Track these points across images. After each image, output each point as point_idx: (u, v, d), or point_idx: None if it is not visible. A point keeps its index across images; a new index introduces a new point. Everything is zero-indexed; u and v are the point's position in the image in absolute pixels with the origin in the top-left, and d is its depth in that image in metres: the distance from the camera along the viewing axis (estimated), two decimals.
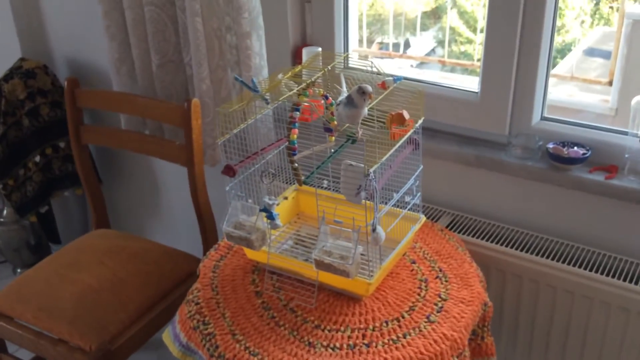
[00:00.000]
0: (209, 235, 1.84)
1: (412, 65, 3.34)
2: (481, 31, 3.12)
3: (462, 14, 3.59)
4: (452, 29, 3.47)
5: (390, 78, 1.26)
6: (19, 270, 2.54)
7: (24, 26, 2.26)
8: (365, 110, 1.17)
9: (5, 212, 2.44)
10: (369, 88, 1.14)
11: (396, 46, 3.49)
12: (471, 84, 1.69)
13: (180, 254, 1.83)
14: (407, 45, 3.83)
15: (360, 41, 2.76)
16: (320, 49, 1.41)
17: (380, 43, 3.69)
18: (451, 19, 3.34)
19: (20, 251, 2.48)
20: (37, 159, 2.23)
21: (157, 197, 2.31)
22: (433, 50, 3.87)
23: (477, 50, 3.33)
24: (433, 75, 2.64)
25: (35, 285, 1.70)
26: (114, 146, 2.00)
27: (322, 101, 1.33)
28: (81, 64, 2.24)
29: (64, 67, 2.29)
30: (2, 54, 2.27)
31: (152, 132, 1.97)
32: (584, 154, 1.47)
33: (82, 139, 1.95)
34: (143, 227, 2.40)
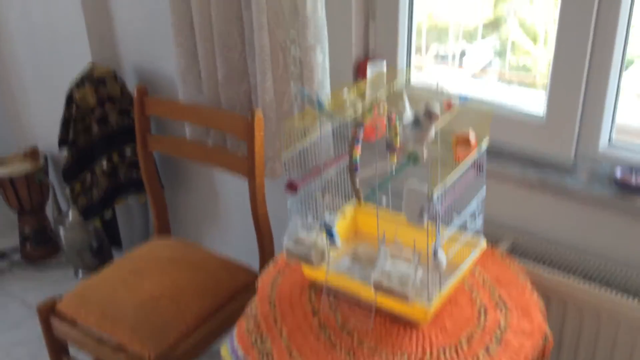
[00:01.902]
0: (266, 247, 1.86)
1: (471, 76, 3.29)
2: (544, 44, 3.05)
3: (522, 25, 3.52)
4: (512, 40, 3.39)
5: (457, 99, 1.24)
6: (80, 273, 2.63)
7: (95, 32, 2.34)
8: (433, 133, 1.15)
9: (70, 215, 2.53)
10: (437, 108, 1.12)
11: (453, 56, 3.44)
12: (530, 98, 1.65)
13: (237, 266, 1.86)
14: (463, 55, 3.78)
15: (418, 49, 2.74)
16: (385, 63, 1.39)
17: (436, 55, 3.65)
18: (511, 30, 3.27)
19: (82, 254, 2.57)
20: (104, 164, 2.30)
21: (216, 206, 2.35)
22: (490, 62, 3.80)
23: (536, 62, 3.26)
24: (491, 88, 2.60)
25: (99, 290, 1.76)
26: (178, 155, 2.05)
27: (386, 119, 1.32)
28: (149, 72, 2.31)
29: (132, 74, 2.36)
30: (74, 59, 2.36)
31: (215, 142, 2.01)
32: None
33: (149, 146, 2.01)
34: (202, 234, 2.45)
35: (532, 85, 3.06)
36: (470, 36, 3.47)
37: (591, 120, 1.50)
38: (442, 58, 3.36)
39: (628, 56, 1.45)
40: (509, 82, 3.14)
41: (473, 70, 3.27)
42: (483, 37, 3.44)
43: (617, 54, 1.43)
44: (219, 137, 2.00)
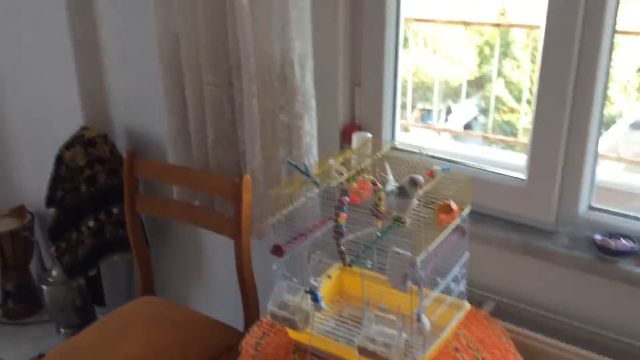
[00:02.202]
0: (251, 307, 1.86)
1: (453, 138, 3.38)
2: (527, 102, 3.15)
3: (507, 84, 3.64)
4: (496, 97, 3.51)
5: (439, 167, 1.29)
6: (62, 330, 2.60)
7: (88, 96, 2.39)
8: (416, 201, 1.20)
9: (54, 272, 2.52)
10: (421, 179, 1.17)
11: (438, 112, 3.54)
12: (513, 160, 1.71)
13: (221, 326, 1.86)
14: (449, 111, 3.88)
15: (403, 107, 2.81)
16: (370, 135, 1.46)
17: (422, 109, 3.75)
18: (495, 87, 3.39)
19: (65, 311, 2.54)
20: (91, 223, 2.31)
21: (202, 266, 2.36)
22: (475, 118, 3.91)
23: (520, 120, 3.36)
24: (474, 149, 2.67)
25: (82, 350, 1.75)
26: (165, 216, 2.07)
27: (371, 185, 1.36)
28: (139, 134, 2.35)
29: (123, 136, 2.40)
30: (65, 122, 2.40)
31: (202, 202, 2.03)
32: (632, 247, 1.46)
33: (137, 207, 2.03)
34: (186, 294, 2.44)
35: (514, 146, 3.15)
36: (455, 94, 3.57)
37: (571, 184, 1.55)
38: (428, 114, 3.45)
39: (613, 113, 1.51)
40: (492, 143, 3.22)
41: (457, 129, 3.35)
42: (468, 95, 3.55)
43: (595, 117, 1.50)
44: (206, 198, 2.03)
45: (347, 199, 1.31)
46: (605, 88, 1.49)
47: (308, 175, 1.32)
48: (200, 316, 1.89)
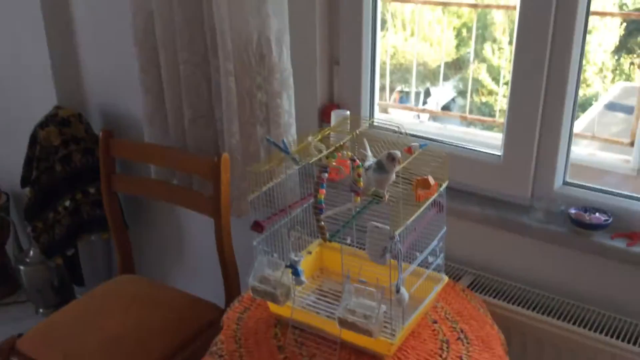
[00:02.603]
0: (231, 285, 1.87)
1: (430, 119, 3.40)
2: (505, 84, 3.18)
3: (486, 66, 3.66)
4: (475, 79, 3.53)
5: (416, 144, 1.31)
6: (41, 311, 2.59)
7: (61, 76, 2.36)
8: (394, 175, 1.21)
9: (31, 252, 2.50)
10: (399, 154, 1.19)
11: (417, 94, 3.56)
12: (491, 140, 1.73)
13: (202, 303, 1.87)
14: (427, 94, 3.90)
15: (382, 89, 2.82)
16: (348, 113, 1.47)
17: (401, 91, 3.77)
18: (475, 70, 3.41)
19: (43, 292, 2.53)
20: (67, 203, 2.29)
21: (181, 245, 2.36)
22: (453, 99, 3.94)
23: (498, 102, 3.39)
24: (452, 130, 2.69)
25: (61, 329, 1.74)
26: (143, 195, 2.06)
27: (349, 162, 1.37)
28: (114, 114, 2.33)
29: (98, 116, 2.38)
30: (39, 102, 2.37)
31: (180, 182, 2.03)
32: (605, 220, 1.50)
33: (113, 187, 2.02)
34: (166, 273, 2.44)
35: (491, 127, 3.18)
36: (433, 76, 3.58)
37: (546, 161, 1.58)
38: (406, 96, 3.46)
39: (589, 94, 1.54)
40: (470, 124, 3.25)
41: (435, 110, 3.37)
42: (446, 77, 3.56)
43: (570, 97, 1.53)
44: (185, 177, 2.03)
45: (326, 175, 1.32)
46: (580, 67, 1.52)
47: (287, 152, 1.33)
48: (181, 293, 1.90)
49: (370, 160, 1.29)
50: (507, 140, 1.62)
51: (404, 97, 3.76)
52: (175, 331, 1.73)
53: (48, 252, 2.33)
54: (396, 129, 1.36)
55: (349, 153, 1.35)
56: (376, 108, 1.88)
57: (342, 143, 1.34)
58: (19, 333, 1.78)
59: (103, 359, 1.62)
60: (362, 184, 1.36)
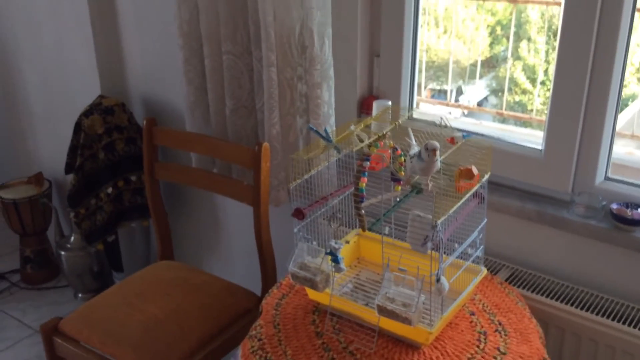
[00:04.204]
0: (269, 272, 1.90)
1: (463, 114, 3.38)
2: (542, 83, 3.15)
3: (522, 64, 3.63)
4: (509, 78, 3.50)
5: (460, 134, 1.31)
6: (80, 295, 2.65)
7: (105, 66, 2.41)
8: (438, 164, 1.22)
9: (72, 238, 2.57)
10: (434, 145, 1.19)
11: (449, 93, 3.54)
12: (528, 136, 1.72)
13: (240, 290, 1.90)
14: (459, 92, 3.88)
15: (417, 86, 2.81)
16: (390, 103, 1.48)
17: (432, 89, 3.75)
18: (509, 68, 3.38)
19: (83, 277, 2.59)
20: (109, 190, 2.34)
21: (218, 233, 2.39)
22: (486, 98, 3.90)
23: (534, 101, 3.36)
24: (488, 126, 2.67)
25: (103, 311, 1.79)
26: (184, 183, 2.10)
27: (390, 152, 1.39)
28: (156, 104, 2.37)
29: (140, 105, 2.43)
30: (83, 91, 2.43)
31: (220, 170, 2.06)
32: None
33: (156, 174, 2.06)
34: (203, 260, 2.49)
35: (527, 124, 3.15)
36: (465, 74, 3.55)
37: (588, 156, 1.57)
38: (438, 94, 3.45)
39: (626, 94, 1.53)
40: (505, 120, 3.23)
41: (469, 106, 3.36)
42: (479, 75, 3.53)
43: (614, 92, 1.51)
44: (224, 166, 2.06)
45: (368, 163, 1.33)
46: (625, 61, 1.50)
47: (329, 140, 1.34)
48: (219, 280, 1.93)
49: (415, 148, 1.30)
50: (549, 134, 1.61)
51: (435, 95, 3.74)
52: (214, 317, 1.77)
53: (89, 238, 2.39)
54: (438, 120, 1.37)
55: (391, 142, 1.36)
56: (415, 100, 1.89)
57: (384, 132, 1.35)
58: (59, 317, 1.83)
59: (143, 341, 1.66)
60: (403, 173, 1.37)
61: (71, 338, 1.76)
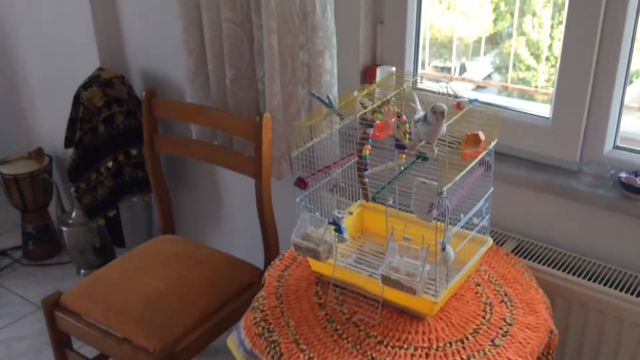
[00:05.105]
0: (271, 245, 1.88)
1: (467, 89, 3.33)
2: (547, 59, 3.09)
3: (526, 41, 3.57)
4: (511, 55, 3.45)
5: (466, 99, 1.27)
6: (82, 271, 2.64)
7: (104, 38, 2.37)
8: (444, 128, 1.18)
9: (74, 214, 2.55)
10: (442, 107, 1.15)
11: (452, 69, 3.49)
12: (533, 109, 1.68)
13: (242, 263, 1.87)
14: (463, 69, 3.83)
15: (421, 63, 2.76)
16: (394, 69, 1.44)
17: (435, 67, 3.70)
18: (513, 45, 3.32)
19: (85, 253, 2.58)
20: (110, 164, 2.32)
21: (220, 206, 2.37)
22: (489, 76, 3.85)
23: (538, 78, 3.30)
24: (493, 99, 2.64)
25: (104, 285, 1.77)
26: (185, 155, 2.07)
27: (394, 119, 1.35)
28: (155, 76, 2.33)
29: (139, 78, 2.39)
30: (82, 64, 2.39)
31: (221, 143, 2.03)
32: None
33: (156, 147, 2.03)
34: (205, 234, 2.46)
35: (532, 97, 3.10)
36: (468, 51, 3.50)
37: (597, 124, 1.53)
38: (442, 72, 3.41)
39: (633, 68, 1.49)
40: (510, 94, 3.18)
41: (473, 79, 3.30)
42: (484, 52, 3.47)
43: (623, 60, 1.47)
44: (225, 138, 2.03)
45: (372, 130, 1.30)
46: (635, 28, 1.45)
47: (332, 107, 1.31)
48: (221, 254, 1.91)
49: (420, 113, 1.26)
50: (557, 102, 1.57)
51: (438, 72, 3.69)
52: (216, 290, 1.75)
53: (90, 213, 2.37)
54: (444, 83, 1.33)
55: (396, 108, 1.32)
56: (419, 68, 1.84)
57: (388, 98, 1.31)
58: (60, 291, 1.81)
59: (145, 314, 1.64)
60: (407, 141, 1.33)
61: (73, 312, 1.74)
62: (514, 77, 3.56)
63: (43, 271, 2.71)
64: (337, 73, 1.77)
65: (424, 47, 1.86)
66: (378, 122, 1.29)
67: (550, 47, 2.90)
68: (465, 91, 3.08)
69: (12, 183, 2.62)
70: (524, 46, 3.54)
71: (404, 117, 1.32)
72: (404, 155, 1.37)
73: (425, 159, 1.32)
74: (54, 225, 2.78)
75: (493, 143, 1.31)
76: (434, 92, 1.39)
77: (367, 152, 1.29)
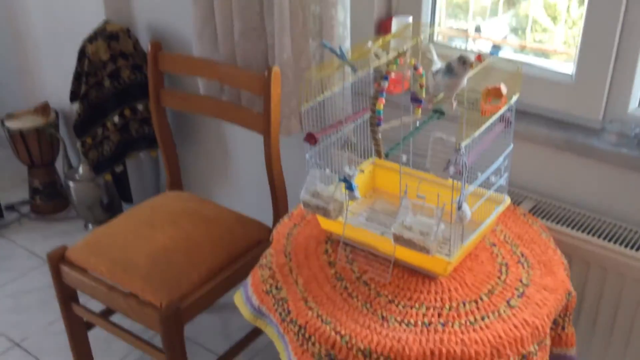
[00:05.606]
0: (280, 203, 1.84)
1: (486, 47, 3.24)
2: (565, 22, 3.00)
3: (543, 1, 3.46)
4: (528, 16, 3.34)
5: (487, 52, 1.21)
6: (90, 227, 2.63)
7: None
8: (465, 81, 1.12)
9: (81, 169, 2.52)
10: (471, 57, 1.09)
11: (467, 31, 3.38)
12: (554, 67, 1.62)
13: (250, 221, 1.84)
14: (478, 31, 3.74)
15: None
16: (410, 19, 1.36)
17: (450, 27, 3.61)
18: (530, 6, 3.22)
19: (93, 208, 2.56)
20: (116, 119, 2.27)
21: (227, 163, 2.33)
22: (505, 37, 3.75)
23: (554, 40, 3.22)
24: (512, 57, 2.55)
25: (111, 240, 1.74)
26: (192, 111, 2.01)
27: (411, 71, 1.29)
28: (162, 29, 2.27)
29: (146, 31, 2.32)
30: (88, 16, 2.32)
31: (229, 98, 1.97)
32: None
33: (162, 102, 1.98)
34: (213, 191, 2.43)
35: (551, 55, 3.00)
36: (484, 12, 3.39)
37: (622, 81, 1.46)
38: (457, 31, 3.31)
39: None
40: (528, 52, 3.08)
41: (490, 38, 3.21)
42: (498, 12, 3.36)
43: None
44: (233, 93, 1.97)
45: (387, 83, 1.24)
46: None
47: (344, 58, 1.24)
48: (229, 211, 1.87)
49: (438, 64, 1.20)
50: (581, 58, 1.49)
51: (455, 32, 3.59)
52: (224, 247, 1.72)
53: (97, 168, 2.33)
54: (463, 36, 1.26)
55: (412, 60, 1.25)
56: (437, 22, 1.76)
57: (404, 49, 1.25)
58: (66, 245, 1.79)
59: (151, 270, 1.62)
60: (424, 95, 1.27)
61: (78, 267, 1.72)
62: (531, 38, 3.45)
63: (50, 226, 2.70)
64: (350, 25, 1.69)
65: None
66: (393, 74, 1.23)
67: (568, 8, 2.80)
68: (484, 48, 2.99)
69: (19, 138, 2.59)
70: (542, 6, 3.43)
71: (421, 69, 1.26)
72: (420, 111, 1.31)
73: (442, 114, 1.27)
74: (61, 181, 2.75)
75: (515, 97, 1.25)
76: (450, 47, 1.33)
77: (381, 106, 1.23)
